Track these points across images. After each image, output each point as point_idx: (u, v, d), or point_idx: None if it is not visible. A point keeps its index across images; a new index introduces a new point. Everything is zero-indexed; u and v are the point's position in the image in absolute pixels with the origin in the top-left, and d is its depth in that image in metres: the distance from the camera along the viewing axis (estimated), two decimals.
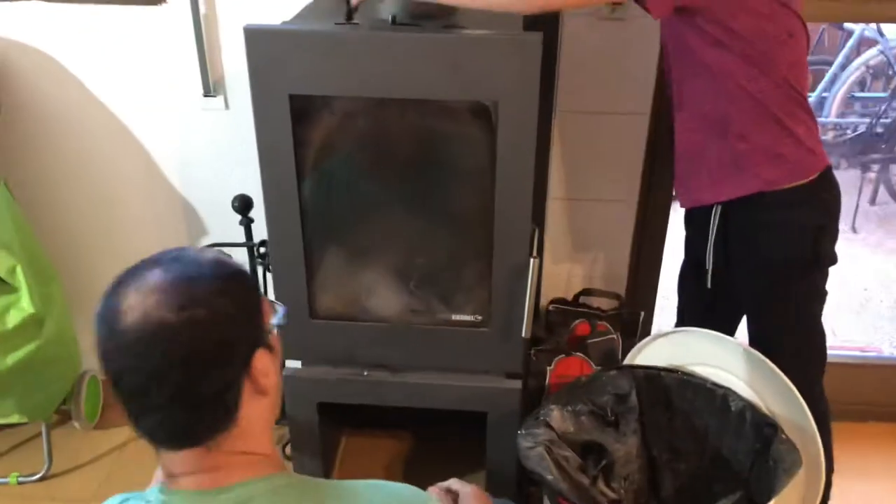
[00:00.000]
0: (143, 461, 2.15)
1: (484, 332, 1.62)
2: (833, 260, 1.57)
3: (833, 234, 1.56)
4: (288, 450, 2.10)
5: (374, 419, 2.17)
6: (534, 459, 1.44)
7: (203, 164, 1.97)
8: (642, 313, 2.00)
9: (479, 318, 1.63)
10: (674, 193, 1.71)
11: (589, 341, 1.89)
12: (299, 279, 1.58)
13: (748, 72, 1.41)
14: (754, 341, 1.67)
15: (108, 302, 0.84)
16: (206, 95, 1.86)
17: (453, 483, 1.30)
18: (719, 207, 1.55)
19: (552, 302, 2.04)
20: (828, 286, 1.63)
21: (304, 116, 1.46)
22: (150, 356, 0.80)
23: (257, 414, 0.88)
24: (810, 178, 1.49)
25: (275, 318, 0.91)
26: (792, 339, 1.62)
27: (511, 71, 1.36)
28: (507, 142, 1.42)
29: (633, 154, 1.92)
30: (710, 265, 1.62)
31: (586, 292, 2.06)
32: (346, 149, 1.56)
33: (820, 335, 1.64)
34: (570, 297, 2.06)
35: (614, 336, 1.92)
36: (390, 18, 1.43)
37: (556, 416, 1.54)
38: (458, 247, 1.65)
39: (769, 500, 1.37)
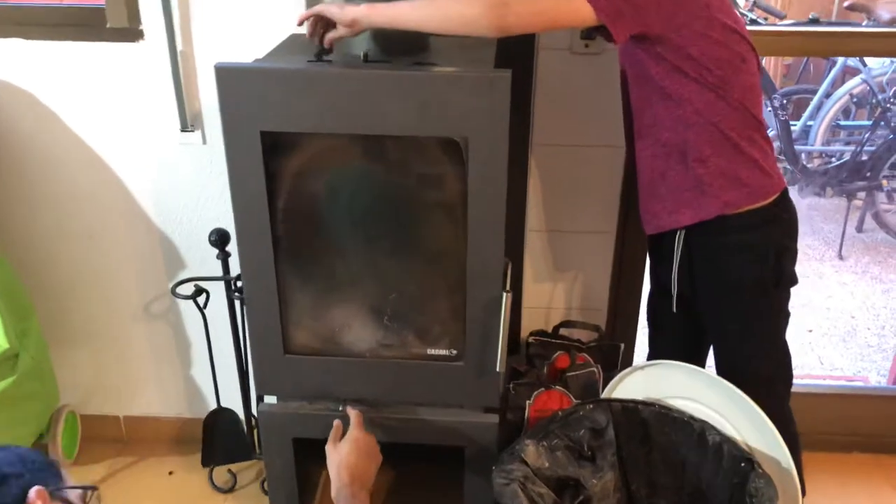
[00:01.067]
0: (122, 497, 2.13)
1: (459, 366, 1.61)
2: (794, 280, 1.59)
3: (794, 255, 1.58)
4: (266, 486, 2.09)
5: None
6: (507, 496, 1.43)
7: (181, 198, 1.97)
8: (622, 345, 2.00)
9: (455, 352, 1.62)
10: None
11: (568, 374, 1.88)
12: (273, 314, 1.58)
13: (706, 97, 1.44)
14: (722, 365, 1.68)
15: None
16: (183, 130, 1.87)
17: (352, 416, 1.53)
18: (682, 232, 1.57)
19: (532, 334, 2.04)
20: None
21: (276, 152, 1.46)
22: None
23: None
24: (768, 200, 1.51)
25: None
26: (759, 360, 1.64)
27: (481, 108, 1.37)
28: (478, 177, 1.43)
29: (611, 186, 1.93)
30: (675, 289, 1.63)
31: (566, 324, 2.05)
32: (318, 184, 1.56)
33: (786, 355, 1.66)
34: (550, 329, 2.06)
35: (594, 369, 1.91)
36: (362, 55, 1.44)
37: (530, 451, 1.53)
38: (433, 281, 1.64)
39: None
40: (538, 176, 1.92)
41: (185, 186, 1.95)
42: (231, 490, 2.15)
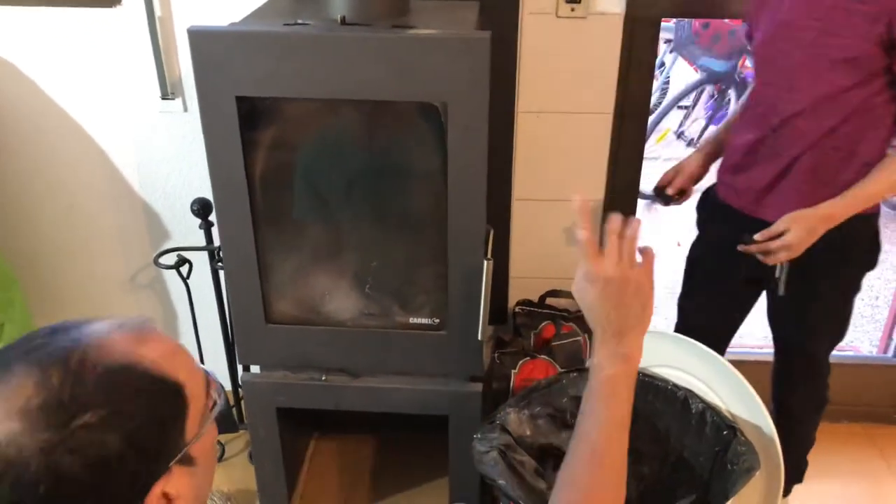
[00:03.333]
0: None
1: (441, 335, 1.60)
2: None
3: None
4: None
5: (342, 423, 2.16)
6: (487, 464, 1.42)
7: (162, 166, 1.95)
8: None
9: (437, 320, 1.61)
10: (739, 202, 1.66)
11: (554, 343, 1.87)
12: (253, 284, 1.56)
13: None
14: (796, 340, 1.74)
15: None
16: (163, 98, 1.84)
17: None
18: None
19: (518, 304, 2.02)
20: None
21: (253, 118, 1.44)
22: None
23: None
24: None
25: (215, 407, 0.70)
26: (837, 329, 1.70)
27: (460, 71, 1.34)
28: (458, 143, 1.41)
29: (597, 153, 1.90)
30: (783, 273, 1.60)
31: (553, 294, 2.04)
32: (297, 151, 1.54)
33: None
34: (536, 299, 2.04)
35: (580, 338, 1.90)
36: (339, 18, 1.41)
37: (512, 419, 1.52)
38: (414, 249, 1.63)
39: (725, 501, 1.35)
40: (524, 144, 1.89)
41: (166, 155, 1.93)
42: (219, 460, 2.15)
